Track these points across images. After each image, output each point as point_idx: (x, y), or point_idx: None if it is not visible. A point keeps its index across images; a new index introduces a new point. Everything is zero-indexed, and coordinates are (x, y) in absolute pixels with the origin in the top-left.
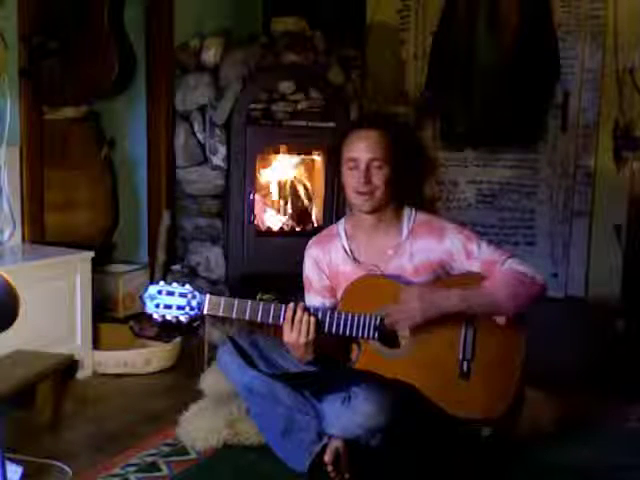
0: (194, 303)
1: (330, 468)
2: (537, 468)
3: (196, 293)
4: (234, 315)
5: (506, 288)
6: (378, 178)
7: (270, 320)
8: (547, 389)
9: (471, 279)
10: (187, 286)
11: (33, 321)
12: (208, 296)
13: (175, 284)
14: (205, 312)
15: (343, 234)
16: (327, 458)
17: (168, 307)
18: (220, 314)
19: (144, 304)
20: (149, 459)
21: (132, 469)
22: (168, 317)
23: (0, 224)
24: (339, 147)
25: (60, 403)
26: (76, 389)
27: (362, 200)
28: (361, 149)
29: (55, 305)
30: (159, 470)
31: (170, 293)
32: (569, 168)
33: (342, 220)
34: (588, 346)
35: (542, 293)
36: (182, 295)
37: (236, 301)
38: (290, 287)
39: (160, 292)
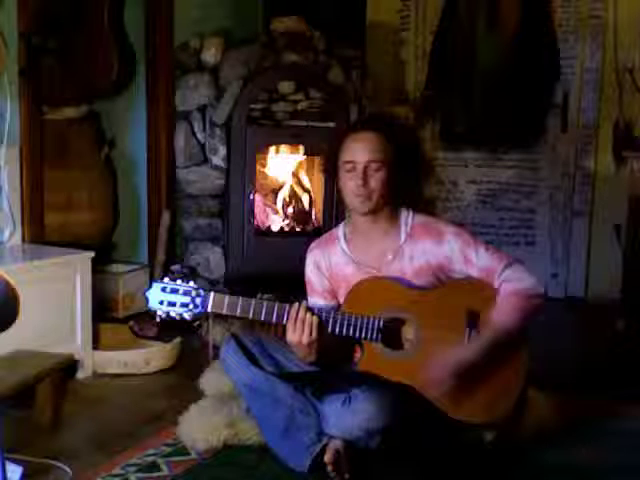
0: (198, 301)
1: (330, 468)
2: (537, 468)
3: (200, 291)
4: (238, 313)
5: (514, 312)
6: (376, 180)
7: (273, 319)
8: (547, 389)
9: (472, 285)
10: (191, 283)
11: (33, 321)
12: (212, 294)
13: (179, 281)
14: (209, 310)
15: (342, 237)
16: (327, 458)
17: (172, 304)
18: (224, 312)
19: (147, 301)
20: (149, 459)
21: (132, 469)
22: (172, 314)
23: (0, 224)
24: (336, 150)
25: (60, 403)
26: (76, 389)
27: (359, 202)
28: (358, 151)
29: (55, 305)
30: (159, 470)
31: (174, 290)
32: (569, 168)
33: (342, 224)
34: (588, 346)
35: (544, 303)
36: (186, 292)
37: (240, 299)
38: (290, 287)
39: (164, 289)
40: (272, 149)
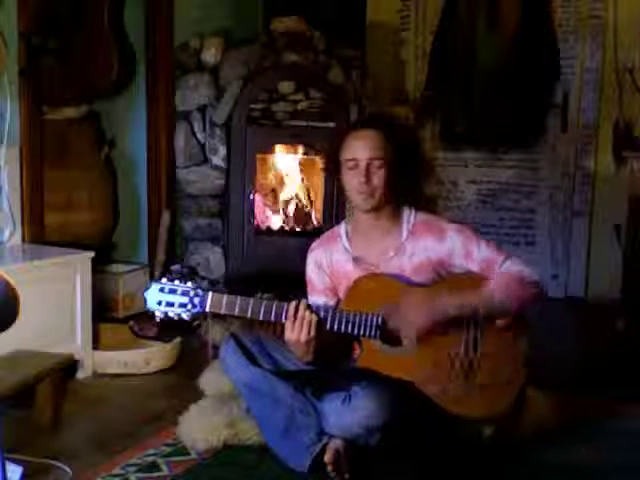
0: (196, 301)
1: (330, 468)
2: (537, 468)
3: (198, 291)
4: (236, 313)
5: (506, 289)
6: (378, 178)
7: (272, 318)
8: (547, 388)
9: (472, 279)
10: (189, 284)
11: (33, 321)
12: (210, 294)
13: (177, 281)
14: (207, 310)
15: (344, 235)
16: (327, 458)
17: (170, 305)
18: (222, 312)
19: (146, 301)
20: (149, 459)
21: (132, 469)
22: (170, 314)
23: (0, 224)
24: (337, 148)
25: (60, 403)
26: (76, 389)
27: (362, 199)
28: (360, 149)
29: (55, 305)
30: (159, 470)
31: (172, 291)
32: (569, 168)
33: (344, 221)
34: (588, 346)
35: (541, 293)
36: (184, 293)
37: (238, 299)
38: (290, 287)
39: (162, 289)
40: (272, 149)
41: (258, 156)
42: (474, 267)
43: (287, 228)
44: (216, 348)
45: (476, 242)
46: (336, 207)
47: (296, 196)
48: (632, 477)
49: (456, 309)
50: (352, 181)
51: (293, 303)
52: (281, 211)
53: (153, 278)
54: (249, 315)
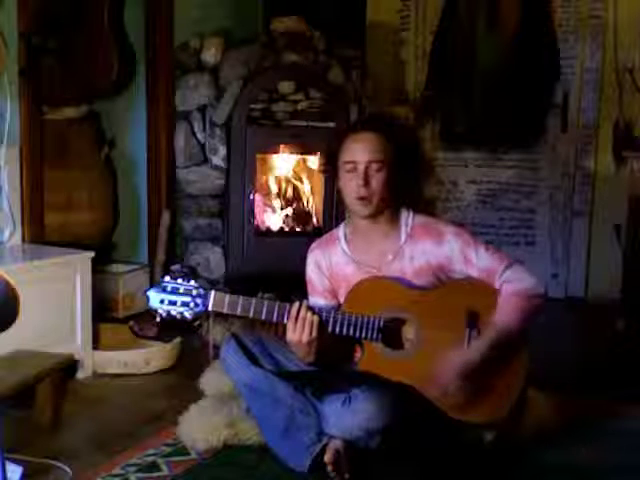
0: (198, 300)
1: (330, 468)
2: (538, 468)
3: (201, 290)
4: (238, 312)
5: (514, 313)
6: (377, 181)
7: (274, 318)
8: (547, 389)
9: (472, 285)
10: (192, 282)
11: (33, 321)
12: (213, 292)
13: (180, 280)
14: (209, 308)
15: (343, 238)
16: (327, 458)
17: (173, 303)
18: (224, 311)
19: (148, 299)
20: (149, 459)
21: (132, 469)
22: (172, 313)
23: (0, 224)
24: (336, 151)
25: (60, 403)
26: (76, 389)
27: (361, 205)
28: (359, 152)
29: (55, 305)
30: (159, 470)
31: (175, 289)
32: (569, 168)
33: (343, 224)
34: (588, 346)
35: (544, 303)
36: (187, 291)
37: (240, 298)
38: (290, 287)
39: (165, 288)
40: (272, 149)
41: (258, 156)
42: (474, 273)
43: (287, 228)
44: (217, 348)
45: (474, 247)
46: (336, 207)
47: (296, 196)
48: (633, 477)
49: (478, 359)
50: (350, 184)
51: (295, 304)
52: (281, 211)
53: (153, 278)
54: (251, 315)
